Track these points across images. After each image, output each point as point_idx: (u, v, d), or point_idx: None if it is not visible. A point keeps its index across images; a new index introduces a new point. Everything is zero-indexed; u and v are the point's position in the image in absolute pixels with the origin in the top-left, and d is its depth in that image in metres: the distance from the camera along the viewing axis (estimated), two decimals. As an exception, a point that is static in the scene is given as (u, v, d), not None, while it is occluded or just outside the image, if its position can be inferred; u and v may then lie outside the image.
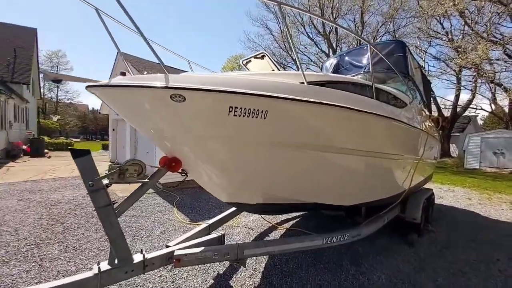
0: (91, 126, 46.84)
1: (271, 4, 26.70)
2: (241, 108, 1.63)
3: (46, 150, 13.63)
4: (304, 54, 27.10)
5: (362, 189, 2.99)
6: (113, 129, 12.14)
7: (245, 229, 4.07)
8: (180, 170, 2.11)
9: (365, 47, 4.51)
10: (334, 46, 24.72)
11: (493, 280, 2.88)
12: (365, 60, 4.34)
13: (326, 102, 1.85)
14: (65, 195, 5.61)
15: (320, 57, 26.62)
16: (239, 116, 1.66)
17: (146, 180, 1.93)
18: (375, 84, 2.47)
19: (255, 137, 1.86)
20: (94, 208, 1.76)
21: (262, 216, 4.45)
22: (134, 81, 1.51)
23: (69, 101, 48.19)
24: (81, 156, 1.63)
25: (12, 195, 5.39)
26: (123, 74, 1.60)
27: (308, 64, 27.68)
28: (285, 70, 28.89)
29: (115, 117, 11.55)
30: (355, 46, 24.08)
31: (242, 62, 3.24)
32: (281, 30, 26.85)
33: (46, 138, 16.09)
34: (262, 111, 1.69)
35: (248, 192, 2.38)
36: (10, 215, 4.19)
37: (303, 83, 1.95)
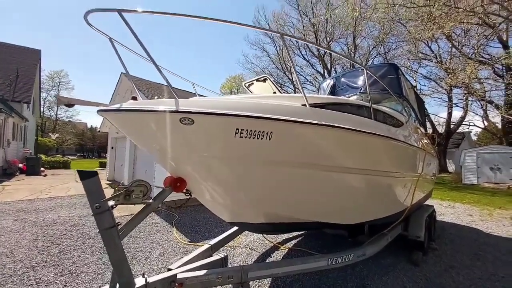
0: (89, 143, 46.66)
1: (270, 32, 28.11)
2: (247, 130, 1.69)
3: (42, 168, 13.45)
4: (300, 74, 28.05)
5: (364, 207, 2.99)
6: (112, 147, 12.13)
7: (246, 250, 3.97)
8: (184, 190, 2.12)
9: (360, 69, 4.72)
10: (329, 67, 25.69)
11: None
12: (360, 81, 4.52)
13: (328, 123, 1.93)
14: (61, 215, 5.48)
15: (316, 77, 27.59)
16: (245, 137, 1.72)
17: (151, 201, 1.94)
18: (372, 104, 2.58)
19: (260, 158, 1.91)
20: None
21: (264, 235, 4.37)
22: (145, 105, 1.58)
23: (68, 119, 48.49)
24: (88, 177, 1.65)
25: (8, 214, 5.26)
26: (134, 98, 1.67)
27: (304, 83, 28.56)
28: (282, 88, 29.70)
29: (115, 135, 11.61)
30: (349, 67, 25.09)
31: (245, 85, 3.38)
32: (277, 53, 27.97)
33: (43, 156, 15.93)
34: (267, 133, 1.75)
35: (251, 212, 2.37)
36: (6, 236, 4.07)
37: (305, 105, 2.04)
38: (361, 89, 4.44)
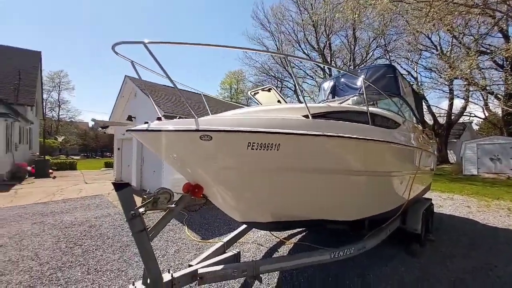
0: (92, 143, 47.14)
1: (267, 24, 27.92)
2: (258, 143, 1.93)
3: (50, 170, 13.80)
4: (300, 69, 27.99)
5: (364, 205, 3.24)
6: (118, 148, 12.40)
7: (254, 245, 4.25)
8: (201, 195, 2.37)
9: (359, 71, 4.90)
10: (329, 60, 25.62)
11: (490, 287, 3.07)
12: (359, 82, 4.71)
13: (329, 134, 2.16)
14: (77, 216, 5.78)
15: (316, 71, 27.52)
16: (256, 149, 1.95)
17: (174, 205, 2.19)
18: (370, 109, 2.79)
19: (269, 166, 2.14)
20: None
21: (271, 232, 4.64)
22: (170, 125, 1.82)
23: (70, 119, 49.00)
24: (122, 188, 1.90)
25: (25, 218, 5.56)
26: (159, 119, 1.91)
27: (304, 78, 28.49)
28: (282, 83, 29.63)
29: (121, 136, 11.87)
30: (349, 60, 24.98)
31: (251, 93, 3.61)
32: (277, 47, 27.87)
33: (49, 158, 16.29)
34: (275, 144, 1.99)
35: (260, 212, 2.62)
36: (28, 239, 4.36)
37: (307, 116, 2.26)
38: (360, 90, 4.62)
